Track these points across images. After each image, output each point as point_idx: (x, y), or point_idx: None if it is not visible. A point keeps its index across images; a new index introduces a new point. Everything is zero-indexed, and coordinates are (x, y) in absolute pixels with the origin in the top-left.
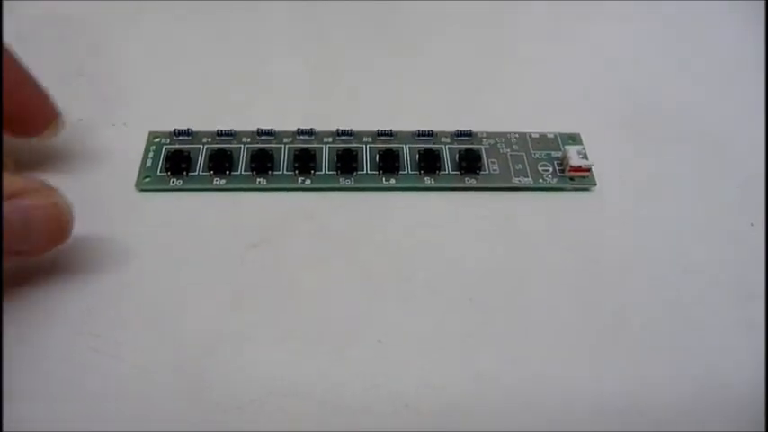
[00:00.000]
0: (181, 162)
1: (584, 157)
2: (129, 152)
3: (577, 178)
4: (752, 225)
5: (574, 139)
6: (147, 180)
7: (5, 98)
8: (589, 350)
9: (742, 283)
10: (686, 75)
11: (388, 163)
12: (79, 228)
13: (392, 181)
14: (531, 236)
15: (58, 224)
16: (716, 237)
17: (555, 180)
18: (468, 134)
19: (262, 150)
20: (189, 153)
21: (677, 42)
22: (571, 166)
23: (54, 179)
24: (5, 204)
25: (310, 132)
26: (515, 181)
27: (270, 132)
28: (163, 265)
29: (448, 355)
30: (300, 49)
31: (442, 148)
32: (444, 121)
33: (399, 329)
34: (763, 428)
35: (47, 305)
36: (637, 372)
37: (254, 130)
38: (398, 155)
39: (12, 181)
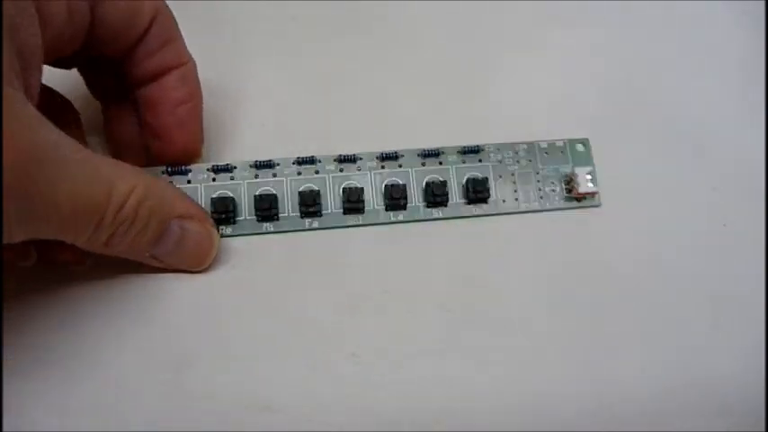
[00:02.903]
0: None
1: (593, 179)
2: None
3: (584, 199)
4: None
5: (584, 144)
6: None
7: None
8: (585, 356)
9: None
10: (691, 77)
11: (395, 200)
12: None
13: (400, 217)
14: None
15: (202, 256)
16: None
17: (561, 202)
18: (476, 150)
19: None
20: None
21: (683, 43)
22: (579, 192)
23: None
24: (175, 222)
25: (312, 161)
26: (523, 206)
27: (269, 164)
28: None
29: (427, 369)
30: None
31: (449, 170)
32: (451, 136)
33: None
34: (764, 429)
35: None
36: (644, 374)
37: (253, 162)
38: (405, 189)
39: (184, 200)
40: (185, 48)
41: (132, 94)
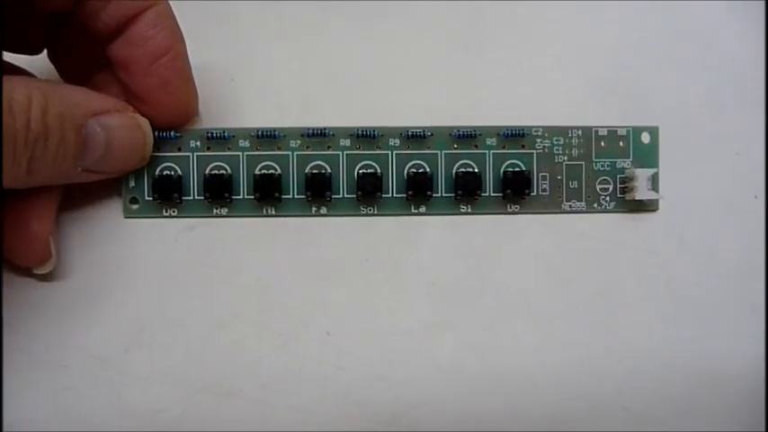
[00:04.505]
0: (172, 191)
1: (654, 186)
2: None
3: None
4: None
5: (651, 134)
6: (137, 209)
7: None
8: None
9: None
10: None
11: (419, 189)
12: None
13: (422, 208)
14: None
15: (138, 150)
16: None
17: (613, 204)
18: (520, 134)
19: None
20: (178, 173)
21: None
22: (636, 198)
23: None
24: (93, 121)
25: (323, 133)
26: (566, 206)
27: (272, 134)
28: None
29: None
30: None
31: (485, 155)
32: (491, 116)
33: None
34: (764, 429)
35: None
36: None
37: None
38: (431, 178)
39: (95, 97)
40: None
41: (106, 58)
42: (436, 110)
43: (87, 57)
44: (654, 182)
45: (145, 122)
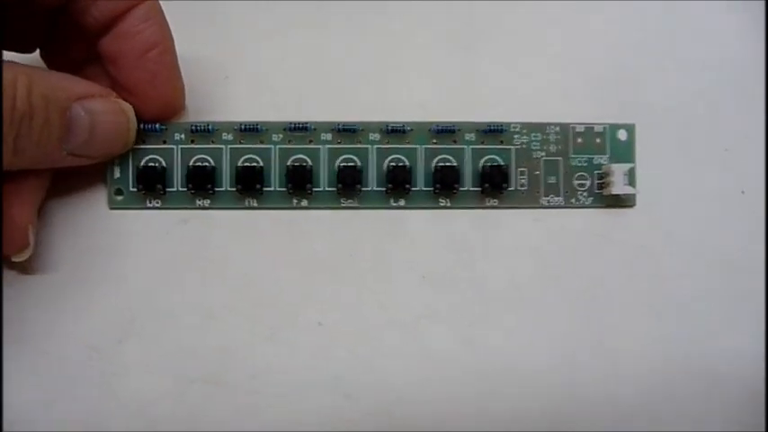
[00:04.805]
0: (155, 182)
1: (631, 180)
2: None
3: (617, 199)
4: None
5: (628, 131)
6: (122, 200)
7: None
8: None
9: None
10: None
11: (398, 181)
12: None
13: (401, 202)
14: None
15: (122, 134)
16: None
17: (590, 200)
18: (499, 129)
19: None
20: (162, 164)
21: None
22: (612, 193)
23: None
24: (77, 105)
25: (305, 127)
26: (544, 201)
27: (255, 128)
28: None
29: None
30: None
31: (464, 150)
32: (470, 111)
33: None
34: (764, 429)
35: None
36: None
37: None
38: (410, 171)
39: (80, 82)
40: None
41: (96, 53)
42: (418, 105)
43: (76, 52)
44: (630, 177)
45: (128, 107)
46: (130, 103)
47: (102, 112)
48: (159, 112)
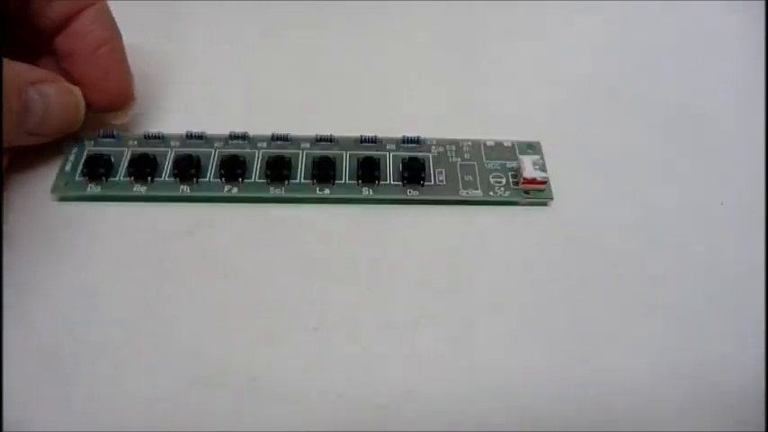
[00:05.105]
0: (100, 167)
1: (542, 168)
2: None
3: (532, 192)
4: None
5: (533, 148)
6: (63, 186)
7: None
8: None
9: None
10: (674, 77)
11: (324, 171)
12: None
13: (326, 191)
14: (475, 252)
15: (73, 113)
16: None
17: (508, 193)
18: (416, 141)
19: (187, 156)
20: (111, 157)
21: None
22: (524, 179)
23: None
24: (31, 89)
25: (243, 137)
26: (463, 193)
27: (200, 136)
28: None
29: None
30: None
31: (385, 155)
32: (395, 129)
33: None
34: (764, 429)
35: None
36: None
37: (184, 133)
38: (335, 163)
39: (33, 69)
40: None
41: (49, 48)
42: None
43: (30, 50)
44: (541, 167)
45: (77, 89)
46: (85, 93)
47: (54, 93)
48: (111, 102)
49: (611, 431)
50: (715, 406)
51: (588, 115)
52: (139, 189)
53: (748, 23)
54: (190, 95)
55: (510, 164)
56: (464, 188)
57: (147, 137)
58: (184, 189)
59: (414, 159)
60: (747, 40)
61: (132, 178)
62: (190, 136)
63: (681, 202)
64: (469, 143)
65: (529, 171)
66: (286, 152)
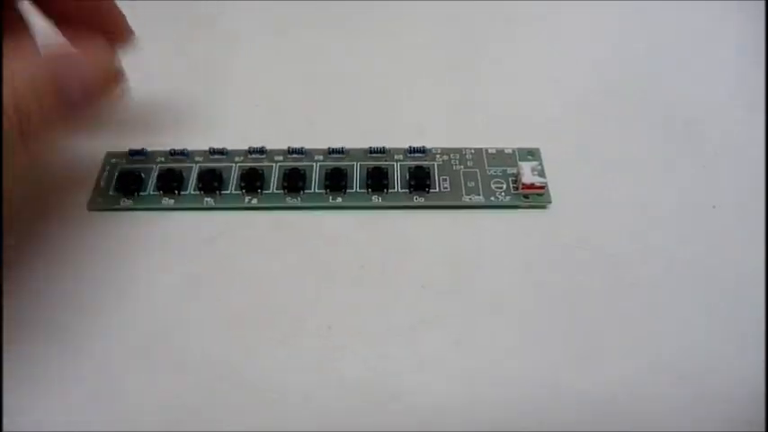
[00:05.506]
0: (131, 182)
1: (540, 173)
2: (85, 172)
3: (532, 196)
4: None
5: (533, 154)
6: (100, 200)
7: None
8: (567, 356)
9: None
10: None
11: (336, 181)
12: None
13: (339, 200)
14: (477, 254)
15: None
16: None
17: (508, 198)
18: (422, 150)
19: (210, 170)
20: (141, 173)
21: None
22: (524, 184)
23: None
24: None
25: (261, 151)
26: (466, 199)
27: (221, 152)
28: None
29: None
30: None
31: (393, 165)
32: (402, 140)
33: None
34: (764, 429)
35: None
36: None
37: (207, 149)
38: (346, 173)
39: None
40: None
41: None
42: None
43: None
44: (539, 173)
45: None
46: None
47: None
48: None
49: (611, 431)
50: (715, 406)
51: (587, 120)
52: (168, 201)
53: (748, 24)
54: (211, 114)
55: (510, 170)
56: (467, 194)
57: (173, 153)
58: (209, 201)
59: (419, 168)
60: (747, 40)
61: (161, 192)
62: (212, 152)
63: (678, 205)
64: (472, 151)
65: (527, 176)
66: (300, 164)
